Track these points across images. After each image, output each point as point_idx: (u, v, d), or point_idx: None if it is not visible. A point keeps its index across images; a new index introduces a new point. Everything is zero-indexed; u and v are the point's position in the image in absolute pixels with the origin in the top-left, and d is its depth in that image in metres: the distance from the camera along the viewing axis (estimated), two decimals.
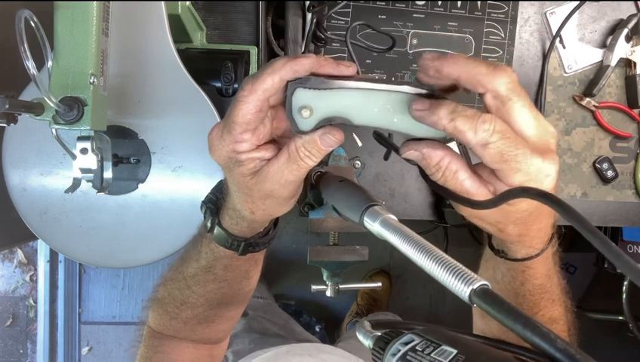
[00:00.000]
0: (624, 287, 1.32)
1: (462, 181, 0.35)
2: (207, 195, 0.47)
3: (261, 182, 0.37)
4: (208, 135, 0.37)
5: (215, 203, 0.46)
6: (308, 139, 0.35)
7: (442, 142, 0.35)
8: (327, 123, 0.35)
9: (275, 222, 0.50)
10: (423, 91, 0.35)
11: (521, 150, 0.32)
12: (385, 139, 0.41)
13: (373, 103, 0.35)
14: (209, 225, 0.45)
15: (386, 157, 0.37)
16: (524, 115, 0.33)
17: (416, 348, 0.24)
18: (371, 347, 0.28)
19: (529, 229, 0.40)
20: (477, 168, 0.36)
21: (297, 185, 0.40)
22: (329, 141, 0.35)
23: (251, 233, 0.45)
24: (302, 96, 0.34)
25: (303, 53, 0.70)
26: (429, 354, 0.23)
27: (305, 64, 0.34)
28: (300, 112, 0.34)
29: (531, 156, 0.32)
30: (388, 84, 0.34)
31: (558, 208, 0.26)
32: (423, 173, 0.38)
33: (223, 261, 0.47)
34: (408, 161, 0.37)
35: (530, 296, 0.46)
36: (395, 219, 0.32)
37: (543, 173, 0.33)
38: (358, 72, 0.75)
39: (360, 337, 0.29)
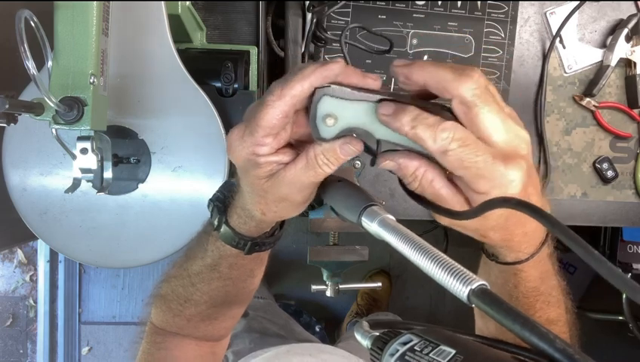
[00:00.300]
0: None
1: (438, 189, 0.35)
2: (214, 193, 0.47)
3: (277, 185, 0.38)
4: (228, 135, 0.38)
5: (223, 201, 0.46)
6: (328, 147, 0.35)
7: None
8: (349, 133, 0.35)
9: (282, 222, 0.50)
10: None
11: (482, 156, 0.32)
12: (367, 147, 0.41)
13: None
14: (216, 223, 0.45)
15: (372, 163, 0.37)
16: (489, 120, 0.32)
17: (415, 348, 0.24)
18: (369, 347, 0.28)
19: (512, 234, 0.40)
20: (452, 176, 0.36)
21: (312, 191, 0.40)
22: (349, 151, 0.35)
23: (258, 233, 0.45)
24: (328, 104, 0.34)
25: (302, 52, 0.70)
26: (427, 354, 0.23)
27: (334, 69, 0.34)
28: (324, 120, 0.34)
29: (493, 162, 0.32)
30: (415, 102, 0.34)
31: (538, 217, 0.25)
32: (402, 183, 0.38)
33: (228, 259, 0.47)
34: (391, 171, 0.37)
35: (525, 299, 0.46)
36: (394, 219, 0.32)
37: (507, 179, 0.33)
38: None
39: (358, 337, 0.29)
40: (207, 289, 0.50)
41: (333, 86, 0.34)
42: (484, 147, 0.33)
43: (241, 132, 0.36)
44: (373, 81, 0.35)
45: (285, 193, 0.38)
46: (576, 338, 0.52)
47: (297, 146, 0.39)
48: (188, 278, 0.51)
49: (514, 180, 0.33)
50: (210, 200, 0.47)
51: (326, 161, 0.36)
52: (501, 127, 0.33)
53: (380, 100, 0.34)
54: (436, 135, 0.32)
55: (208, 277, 0.49)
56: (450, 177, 0.36)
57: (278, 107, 0.34)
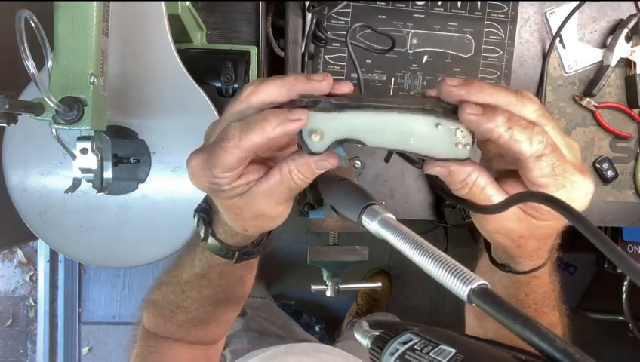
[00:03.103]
0: (624, 287, 1.32)
1: (490, 196, 0.34)
2: (199, 204, 0.46)
3: (250, 202, 0.36)
4: (188, 161, 0.36)
5: (207, 212, 0.44)
6: (302, 163, 0.34)
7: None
8: (340, 144, 0.34)
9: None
10: (441, 110, 0.34)
11: (567, 165, 0.32)
12: (404, 154, 0.40)
13: (387, 125, 0.34)
14: (202, 234, 0.44)
15: (387, 160, 0.36)
16: (556, 137, 0.33)
17: (415, 347, 0.24)
18: (369, 346, 0.28)
19: (546, 243, 0.40)
20: (503, 185, 0.35)
21: (289, 204, 0.39)
22: (325, 166, 0.34)
23: (245, 242, 0.45)
24: (311, 120, 0.33)
25: (303, 52, 0.70)
26: (427, 354, 0.23)
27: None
28: (310, 136, 0.33)
29: (574, 172, 0.33)
30: (401, 104, 0.33)
31: (569, 215, 0.25)
32: (435, 183, 0.37)
33: (217, 268, 0.46)
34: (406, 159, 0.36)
35: (534, 305, 0.46)
36: (394, 218, 0.31)
37: (585, 191, 0.33)
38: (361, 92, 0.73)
39: (357, 336, 0.29)
40: (198, 296, 0.50)
41: (313, 99, 0.33)
42: (565, 157, 0.33)
43: (200, 162, 0.35)
44: (319, 83, 0.33)
45: (261, 209, 0.37)
46: (569, 340, 0.52)
47: (272, 158, 0.38)
48: (178, 285, 0.50)
49: (590, 192, 0.33)
50: (195, 210, 0.45)
51: (301, 176, 0.34)
52: (564, 142, 0.33)
53: (435, 111, 0.33)
54: (532, 138, 0.31)
55: (198, 286, 0.49)
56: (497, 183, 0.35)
57: (235, 154, 0.32)
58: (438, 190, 0.38)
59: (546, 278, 0.45)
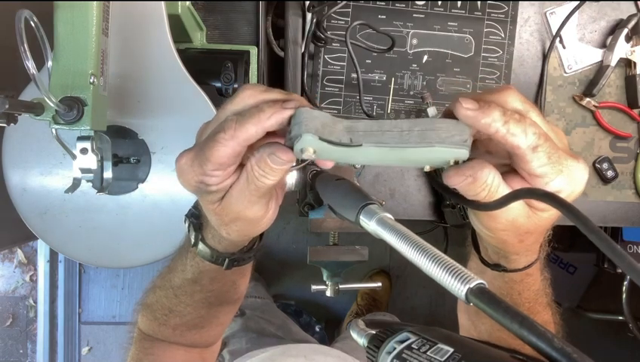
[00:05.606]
0: (624, 287, 1.32)
1: (501, 194, 0.33)
2: (190, 209, 0.46)
3: (227, 205, 0.37)
4: (177, 159, 0.36)
5: (198, 217, 0.45)
6: (258, 158, 0.34)
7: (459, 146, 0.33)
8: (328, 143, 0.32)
9: (260, 235, 0.48)
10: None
11: (560, 151, 0.32)
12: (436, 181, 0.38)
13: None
14: (193, 240, 0.44)
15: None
16: (542, 125, 0.33)
17: (412, 346, 0.24)
18: (366, 345, 0.28)
19: (542, 236, 0.40)
20: (507, 180, 0.34)
21: (263, 206, 0.38)
22: (277, 160, 0.33)
23: (235, 249, 0.45)
24: (308, 142, 0.32)
25: (302, 52, 0.71)
26: (425, 353, 0.23)
27: (295, 104, 0.32)
28: (302, 152, 0.32)
29: (567, 157, 0.32)
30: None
31: (566, 211, 0.25)
32: (437, 182, 0.36)
33: (208, 274, 0.46)
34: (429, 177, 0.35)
35: (528, 304, 0.46)
36: (392, 217, 0.31)
37: (581, 173, 0.33)
38: None
39: (354, 335, 0.29)
40: (190, 301, 0.50)
41: (310, 124, 0.31)
42: (556, 145, 0.32)
43: (190, 160, 0.35)
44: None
45: (236, 211, 0.37)
46: (565, 339, 0.52)
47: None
48: (171, 290, 0.50)
49: (585, 173, 0.33)
50: (186, 216, 0.45)
51: (262, 172, 0.34)
52: (549, 128, 0.33)
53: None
54: (526, 130, 0.31)
55: (190, 291, 0.49)
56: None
57: (230, 146, 0.32)
58: (443, 190, 0.37)
59: (537, 275, 0.45)
